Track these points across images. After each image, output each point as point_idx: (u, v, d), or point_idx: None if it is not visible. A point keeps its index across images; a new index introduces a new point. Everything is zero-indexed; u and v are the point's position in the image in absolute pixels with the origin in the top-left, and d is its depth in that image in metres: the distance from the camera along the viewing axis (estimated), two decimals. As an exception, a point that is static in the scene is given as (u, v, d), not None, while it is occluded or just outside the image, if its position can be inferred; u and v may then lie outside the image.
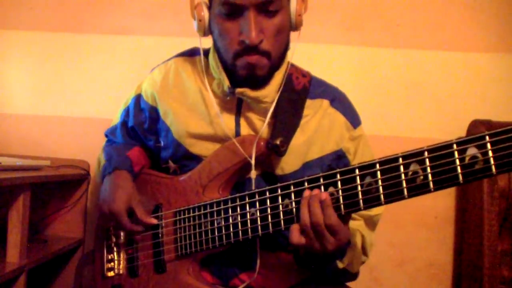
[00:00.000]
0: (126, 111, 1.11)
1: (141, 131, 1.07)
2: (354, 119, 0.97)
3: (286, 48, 0.92)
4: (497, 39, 1.49)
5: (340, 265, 0.90)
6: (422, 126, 1.50)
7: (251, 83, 0.89)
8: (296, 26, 0.90)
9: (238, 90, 0.89)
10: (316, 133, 0.94)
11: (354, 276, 0.96)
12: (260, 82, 0.90)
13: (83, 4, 1.55)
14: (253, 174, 0.90)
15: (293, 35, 0.92)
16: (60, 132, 1.55)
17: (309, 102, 0.95)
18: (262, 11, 0.83)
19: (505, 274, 1.34)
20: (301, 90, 0.95)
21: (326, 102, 0.96)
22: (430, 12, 1.51)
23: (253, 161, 0.89)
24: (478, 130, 1.35)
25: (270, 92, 0.91)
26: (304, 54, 1.45)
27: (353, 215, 0.95)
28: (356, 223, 0.95)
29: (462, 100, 1.49)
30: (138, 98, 1.07)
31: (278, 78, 0.92)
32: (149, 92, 1.04)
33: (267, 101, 0.91)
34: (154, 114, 1.03)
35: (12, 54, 1.56)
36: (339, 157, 0.96)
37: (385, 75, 1.51)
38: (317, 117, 0.95)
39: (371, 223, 0.97)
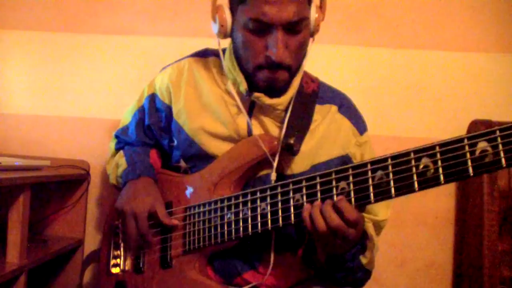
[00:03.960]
0: (141, 110, 1.11)
1: (157, 130, 1.08)
2: (360, 126, 1.00)
3: (304, 57, 0.94)
4: (497, 39, 1.49)
5: (364, 260, 0.90)
6: (422, 126, 1.50)
7: (270, 92, 0.92)
8: (313, 33, 0.92)
9: (256, 94, 0.91)
10: (324, 138, 0.96)
11: (370, 275, 0.97)
12: (278, 92, 0.93)
13: (83, 4, 1.55)
14: (274, 165, 0.92)
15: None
16: (60, 132, 1.55)
17: (318, 108, 0.98)
18: (289, 30, 0.85)
19: (505, 274, 1.34)
20: (311, 94, 0.98)
21: (334, 108, 0.99)
22: (430, 12, 1.51)
23: (275, 161, 0.91)
24: (478, 130, 1.34)
25: (285, 100, 0.94)
26: (304, 54, 1.45)
27: None
28: (367, 226, 0.96)
29: (462, 100, 1.49)
30: (152, 97, 1.08)
31: (294, 85, 0.94)
32: (164, 91, 1.05)
33: (280, 108, 0.94)
34: (169, 113, 1.04)
35: (12, 54, 1.56)
36: (345, 162, 0.96)
37: (385, 75, 1.51)
38: (325, 122, 0.97)
39: (378, 228, 0.98)
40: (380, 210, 0.97)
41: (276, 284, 0.96)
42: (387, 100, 1.51)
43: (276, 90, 0.92)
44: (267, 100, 0.92)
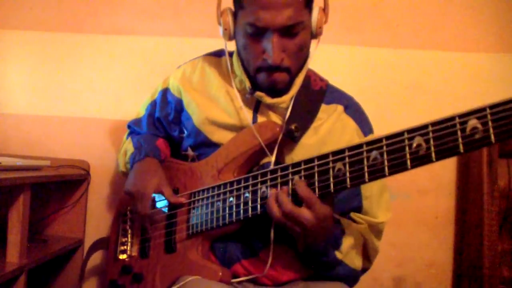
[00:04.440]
0: (153, 104, 1.17)
1: (166, 122, 1.14)
2: (365, 128, 1.01)
3: (306, 58, 0.97)
4: (497, 39, 1.49)
5: (339, 255, 0.91)
6: (422, 126, 1.49)
7: (272, 93, 0.95)
8: (316, 35, 0.94)
9: (258, 93, 0.95)
10: (329, 135, 0.98)
11: (356, 273, 0.96)
12: (280, 92, 0.95)
13: (83, 4, 1.55)
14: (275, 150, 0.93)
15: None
16: (60, 132, 1.54)
17: (324, 107, 1.00)
18: (285, 34, 0.88)
19: (505, 274, 1.34)
20: (318, 91, 1.01)
21: (340, 108, 1.01)
22: (430, 12, 1.51)
23: (276, 146, 0.93)
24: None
25: (287, 99, 0.96)
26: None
27: (357, 219, 0.97)
28: (359, 227, 0.96)
29: (462, 100, 1.48)
30: (165, 91, 1.14)
31: (297, 84, 0.97)
32: (175, 86, 1.10)
33: (283, 106, 0.96)
34: (179, 106, 1.09)
35: (12, 54, 1.56)
36: None
37: (385, 75, 1.51)
38: (330, 120, 0.99)
39: (376, 231, 0.98)
40: (380, 212, 0.97)
41: (275, 276, 0.96)
42: (387, 100, 1.50)
43: (277, 91, 0.95)
44: (268, 100, 0.95)
